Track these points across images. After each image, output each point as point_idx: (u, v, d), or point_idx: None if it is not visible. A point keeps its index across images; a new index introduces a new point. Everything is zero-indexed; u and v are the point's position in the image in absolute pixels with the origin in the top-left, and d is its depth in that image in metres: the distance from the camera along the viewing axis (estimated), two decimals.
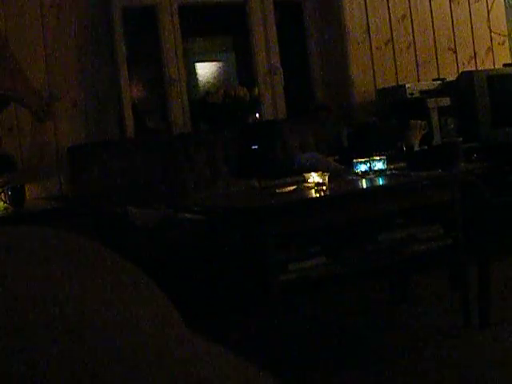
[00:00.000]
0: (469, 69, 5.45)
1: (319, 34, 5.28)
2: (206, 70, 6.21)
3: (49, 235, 0.62)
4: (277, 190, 3.19)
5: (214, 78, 6.20)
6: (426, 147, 3.65)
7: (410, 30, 5.45)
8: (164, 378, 0.42)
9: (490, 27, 5.75)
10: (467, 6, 5.70)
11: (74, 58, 4.34)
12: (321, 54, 5.29)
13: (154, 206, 3.76)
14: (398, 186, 3.12)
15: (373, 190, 3.14)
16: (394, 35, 5.38)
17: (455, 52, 5.63)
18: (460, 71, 5.38)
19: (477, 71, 5.19)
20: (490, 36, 5.78)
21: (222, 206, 3.21)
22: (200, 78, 6.13)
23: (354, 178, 3.26)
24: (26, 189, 3.84)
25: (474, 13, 5.72)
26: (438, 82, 5.12)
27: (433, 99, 4.82)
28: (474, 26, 5.72)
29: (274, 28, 5.12)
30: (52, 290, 0.46)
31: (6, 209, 3.60)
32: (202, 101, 4.98)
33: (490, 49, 5.78)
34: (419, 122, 3.75)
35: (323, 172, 3.07)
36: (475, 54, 5.71)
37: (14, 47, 4.06)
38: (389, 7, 5.37)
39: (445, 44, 5.59)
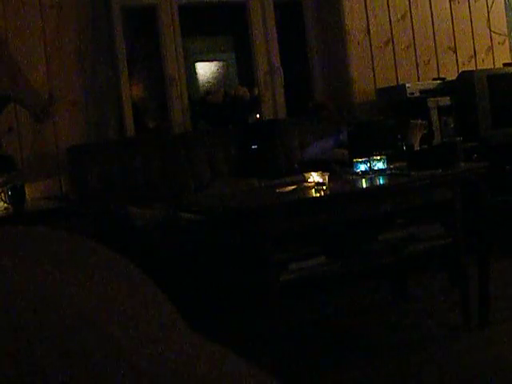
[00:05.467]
0: (469, 68, 5.45)
1: (319, 33, 5.28)
2: (206, 70, 6.21)
3: (49, 235, 0.62)
4: (277, 190, 3.19)
5: (214, 77, 6.20)
6: (426, 147, 3.65)
7: (410, 30, 5.45)
8: (165, 378, 0.42)
9: (489, 27, 5.75)
10: (467, 6, 5.70)
11: (73, 58, 4.34)
12: (321, 54, 5.29)
13: (154, 206, 3.76)
14: (398, 186, 3.12)
15: (373, 189, 3.14)
16: (393, 35, 5.38)
17: (455, 51, 5.64)
18: (460, 71, 5.38)
19: (477, 71, 5.19)
20: (490, 35, 5.78)
21: (221, 206, 3.21)
22: (200, 78, 6.13)
23: (354, 177, 3.26)
24: (26, 189, 3.84)
25: (473, 12, 5.72)
26: (438, 81, 5.12)
27: (433, 99, 4.82)
28: (473, 26, 5.72)
29: (274, 28, 5.12)
30: (51, 290, 0.46)
31: (6, 209, 3.60)
32: (202, 100, 4.99)
33: (490, 48, 5.78)
34: (419, 121, 3.75)
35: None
36: (475, 53, 5.71)
37: (13, 47, 4.06)
38: (389, 7, 5.37)
39: (445, 43, 5.59)
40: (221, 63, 6.38)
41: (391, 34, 5.37)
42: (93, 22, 4.41)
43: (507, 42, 5.85)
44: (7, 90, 3.58)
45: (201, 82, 6.11)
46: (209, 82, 6.06)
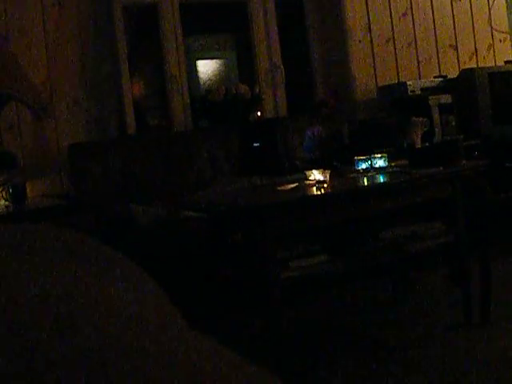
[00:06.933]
0: (470, 66, 5.45)
1: (320, 31, 5.28)
2: (207, 68, 6.20)
3: (50, 233, 0.62)
4: (278, 188, 3.19)
5: (215, 75, 6.19)
6: (427, 144, 3.65)
7: (411, 28, 5.45)
8: (166, 377, 0.42)
9: (491, 24, 5.75)
10: (468, 3, 5.70)
11: (75, 56, 4.34)
12: (322, 52, 5.29)
13: (156, 204, 3.76)
14: (400, 184, 3.12)
15: (374, 187, 3.14)
16: (395, 32, 5.38)
17: (456, 49, 5.63)
18: (461, 68, 5.38)
19: (478, 68, 5.18)
20: (491, 33, 5.77)
21: (223, 204, 3.21)
22: (201, 76, 6.12)
23: (356, 175, 3.26)
24: (27, 186, 3.84)
25: (475, 10, 5.71)
26: (439, 79, 5.11)
27: (434, 96, 4.82)
28: (475, 23, 5.71)
29: (276, 25, 5.12)
30: (52, 288, 0.46)
31: (7, 206, 3.60)
32: (203, 98, 4.98)
33: (491, 46, 5.77)
34: (420, 119, 3.74)
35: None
36: (476, 51, 5.71)
37: (15, 45, 4.06)
38: (390, 4, 5.36)
39: (446, 41, 5.58)
40: (222, 61, 6.37)
41: (392, 31, 5.36)
42: (94, 19, 4.40)
43: (508, 40, 5.85)
44: (8, 87, 3.58)
45: (202, 79, 6.10)
46: (210, 80, 6.06)
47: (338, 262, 3.00)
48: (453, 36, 5.61)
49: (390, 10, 5.36)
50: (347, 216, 3.09)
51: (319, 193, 2.97)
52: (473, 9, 5.71)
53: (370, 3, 5.28)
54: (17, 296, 0.44)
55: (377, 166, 3.24)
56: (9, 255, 0.53)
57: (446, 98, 4.83)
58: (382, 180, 3.16)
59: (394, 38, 5.37)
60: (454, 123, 4.81)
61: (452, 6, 5.63)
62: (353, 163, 3.32)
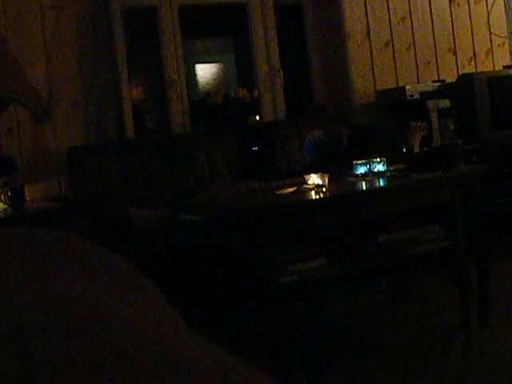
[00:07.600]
0: (468, 70, 5.45)
1: (319, 35, 5.29)
2: (205, 71, 6.22)
3: (48, 236, 0.62)
4: (277, 192, 3.19)
5: (214, 79, 6.20)
6: (425, 149, 3.65)
7: (410, 32, 5.46)
8: (164, 378, 0.42)
9: (489, 29, 5.76)
10: (467, 8, 5.71)
11: (73, 59, 4.34)
12: (321, 56, 5.29)
13: (154, 207, 3.76)
14: (398, 188, 3.12)
15: (373, 191, 3.15)
16: (393, 37, 5.38)
17: (455, 54, 5.64)
18: (460, 73, 5.39)
19: (477, 73, 5.19)
20: (490, 38, 5.78)
21: (221, 207, 3.21)
22: (200, 79, 6.14)
23: (354, 179, 3.26)
24: (26, 190, 3.84)
25: (473, 14, 5.72)
26: (438, 83, 5.12)
27: (433, 101, 4.82)
28: (473, 28, 5.72)
29: (274, 29, 5.12)
30: (50, 290, 0.46)
31: (5, 210, 3.59)
32: (201, 102, 4.99)
33: (490, 50, 5.78)
34: (419, 123, 3.75)
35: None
36: (475, 55, 5.72)
37: (13, 48, 4.06)
38: (389, 9, 5.37)
39: (445, 46, 5.59)
40: (220, 65, 6.38)
41: (391, 35, 5.37)
42: (93, 22, 4.41)
43: (507, 45, 5.85)
44: (7, 90, 3.58)
45: (200, 83, 6.11)
46: (208, 84, 6.07)
47: (337, 266, 3.01)
48: (451, 40, 5.62)
49: (388, 14, 5.37)
50: (346, 220, 3.09)
51: (318, 197, 2.98)
52: (471, 13, 5.72)
53: (368, 7, 5.29)
54: (16, 298, 0.44)
55: (375, 170, 3.24)
56: (7, 259, 0.53)
57: (444, 103, 4.84)
58: (380, 184, 3.16)
59: (392, 42, 5.37)
60: (452, 128, 4.81)
61: (451, 10, 5.64)
62: (351, 167, 3.33)
